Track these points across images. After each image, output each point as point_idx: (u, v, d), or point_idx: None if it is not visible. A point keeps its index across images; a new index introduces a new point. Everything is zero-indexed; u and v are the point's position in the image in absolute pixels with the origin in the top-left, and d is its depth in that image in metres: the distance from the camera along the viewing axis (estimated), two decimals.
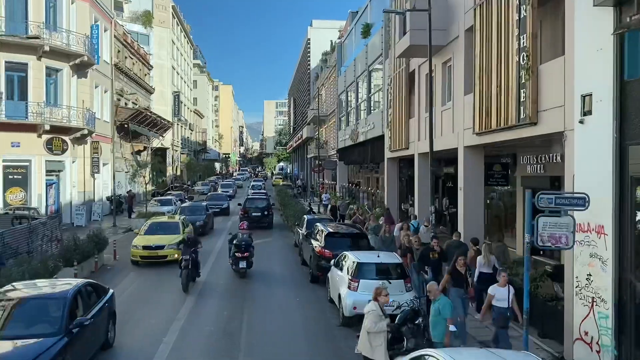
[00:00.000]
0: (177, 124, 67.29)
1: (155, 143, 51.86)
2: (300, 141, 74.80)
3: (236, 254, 17.89)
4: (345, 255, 14.12)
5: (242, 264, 17.82)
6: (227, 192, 52.00)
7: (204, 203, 32.68)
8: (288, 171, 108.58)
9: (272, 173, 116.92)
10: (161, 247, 20.00)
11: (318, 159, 46.77)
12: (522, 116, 12.03)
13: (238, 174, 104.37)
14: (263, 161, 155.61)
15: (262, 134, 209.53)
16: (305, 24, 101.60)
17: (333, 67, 46.23)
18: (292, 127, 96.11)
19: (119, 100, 41.11)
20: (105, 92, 37.27)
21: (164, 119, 50.78)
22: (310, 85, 67.18)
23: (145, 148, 47.83)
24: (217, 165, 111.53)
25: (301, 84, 78.70)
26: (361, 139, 32.46)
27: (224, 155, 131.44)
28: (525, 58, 11.74)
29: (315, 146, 50.59)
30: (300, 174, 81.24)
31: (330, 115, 49.33)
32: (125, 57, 44.11)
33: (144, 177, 33.16)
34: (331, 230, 17.98)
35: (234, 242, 18.24)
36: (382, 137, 27.43)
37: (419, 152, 21.04)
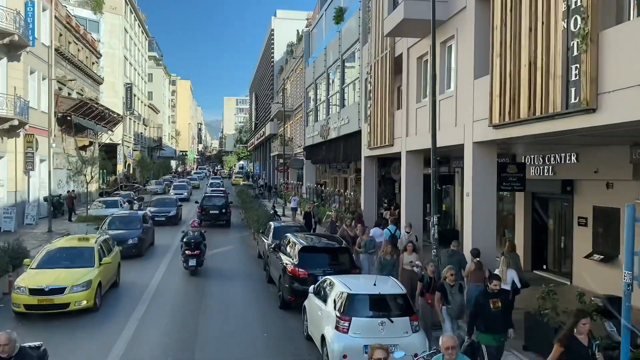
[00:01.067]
0: (130, 118, 62.62)
1: (104, 138, 47.27)
2: (262, 138, 71.17)
3: (186, 251, 17.71)
4: (329, 282, 10.79)
5: (192, 262, 17.62)
6: (181, 194, 44.89)
7: (142, 212, 25.89)
8: (249, 170, 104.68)
9: (231, 169, 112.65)
10: (60, 291, 12.73)
11: (283, 158, 43.35)
12: (572, 101, 9.01)
13: (195, 173, 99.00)
14: (222, 159, 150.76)
15: (222, 132, 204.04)
16: (268, 16, 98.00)
17: (300, 58, 42.89)
18: (253, 124, 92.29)
19: (60, 89, 36.72)
20: (44, 79, 32.94)
21: (114, 112, 46.45)
22: (273, 80, 63.66)
23: (91, 143, 43.23)
24: (174, 163, 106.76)
25: (264, 79, 74.98)
26: (333, 135, 29.30)
27: (181, 153, 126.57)
28: (580, 22, 8.72)
29: (279, 143, 47.19)
30: (263, 174, 77.50)
31: (297, 111, 45.99)
32: (69, 42, 39.64)
33: (85, 175, 28.95)
34: (306, 243, 14.66)
35: (184, 239, 18.05)
36: (358, 133, 24.36)
37: (407, 150, 17.99)
